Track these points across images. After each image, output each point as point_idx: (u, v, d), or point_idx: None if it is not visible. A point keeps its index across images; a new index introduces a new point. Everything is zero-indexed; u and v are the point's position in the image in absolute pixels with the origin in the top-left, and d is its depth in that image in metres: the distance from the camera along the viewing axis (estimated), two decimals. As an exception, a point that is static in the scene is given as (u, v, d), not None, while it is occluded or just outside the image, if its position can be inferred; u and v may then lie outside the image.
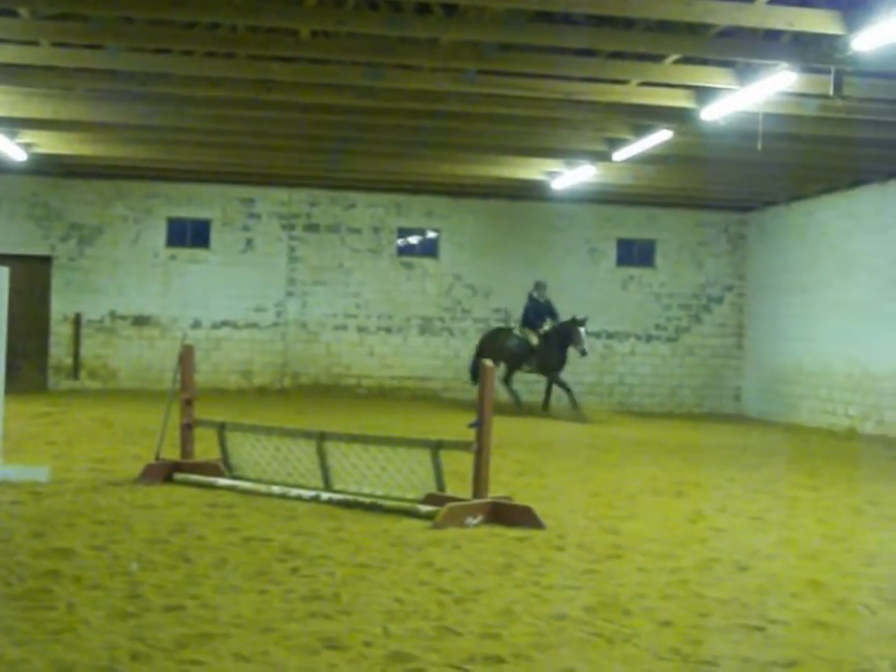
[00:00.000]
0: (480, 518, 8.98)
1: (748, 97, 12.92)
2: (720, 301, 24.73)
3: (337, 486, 9.89)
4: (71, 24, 12.41)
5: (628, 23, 12.28)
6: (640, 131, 16.12)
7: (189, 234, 23.23)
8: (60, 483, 10.21)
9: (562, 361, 21.04)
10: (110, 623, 5.80)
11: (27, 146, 18.78)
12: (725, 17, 10.99)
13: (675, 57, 12.69)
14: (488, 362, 9.38)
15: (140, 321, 22.81)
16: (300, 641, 5.59)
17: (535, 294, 21.39)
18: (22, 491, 9.69)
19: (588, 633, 5.95)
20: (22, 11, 11.75)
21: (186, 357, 10.82)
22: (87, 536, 7.98)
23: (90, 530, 8.19)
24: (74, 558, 7.24)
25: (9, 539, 7.81)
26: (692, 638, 5.92)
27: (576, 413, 20.48)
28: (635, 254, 24.64)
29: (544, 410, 21.12)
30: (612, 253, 24.48)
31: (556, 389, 21.26)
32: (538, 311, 21.21)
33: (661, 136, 15.71)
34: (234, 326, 23.14)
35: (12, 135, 17.74)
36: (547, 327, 21.05)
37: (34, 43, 12.79)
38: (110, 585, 6.57)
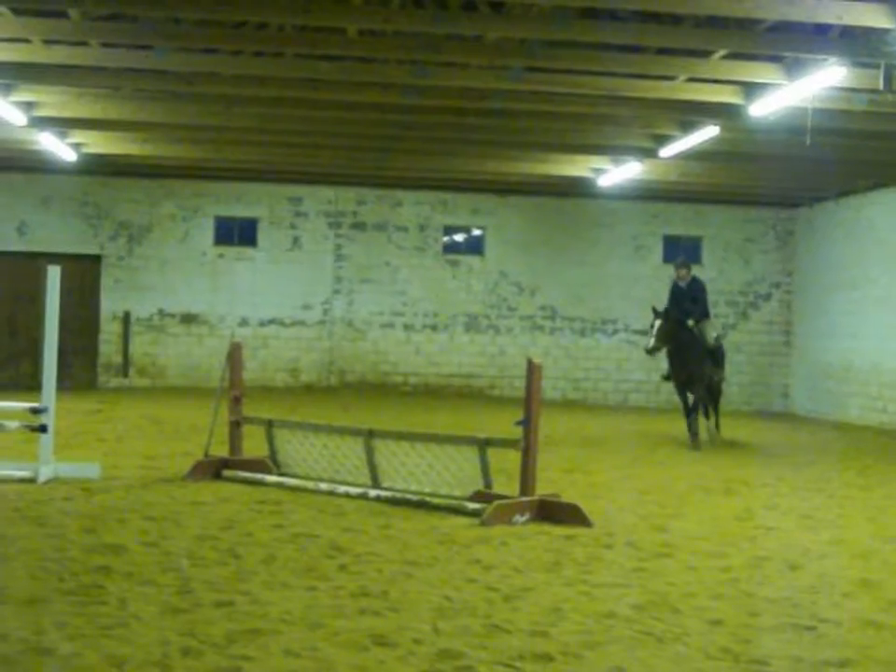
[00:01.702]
0: (527, 515, 8.97)
1: (796, 92, 12.79)
2: (767, 298, 24.54)
3: (385, 483, 9.92)
4: (120, 25, 12.51)
5: (676, 19, 12.21)
6: (687, 127, 16.01)
7: (237, 233, 23.37)
8: (110, 480, 10.31)
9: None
10: (161, 618, 5.85)
11: (77, 145, 18.97)
12: (774, 12, 10.90)
13: (723, 52, 12.58)
14: (537, 360, 9.35)
15: (188, 319, 22.97)
16: (349, 638, 5.61)
17: (676, 279, 16.49)
18: (74, 487, 9.80)
19: (637, 631, 5.93)
20: (73, 13, 11.86)
21: (234, 355, 10.89)
22: (138, 532, 8.05)
23: (140, 526, 8.27)
24: (125, 554, 7.31)
25: (62, 534, 7.89)
26: (742, 638, 5.88)
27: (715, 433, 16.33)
28: (681, 250, 24.47)
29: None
30: (659, 250, 24.35)
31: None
32: (678, 302, 16.12)
33: (708, 132, 15.60)
34: (281, 324, 23.25)
35: (63, 135, 17.91)
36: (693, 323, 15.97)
37: (84, 44, 12.90)
38: (161, 581, 6.62)
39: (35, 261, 20.83)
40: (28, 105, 15.62)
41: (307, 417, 13.12)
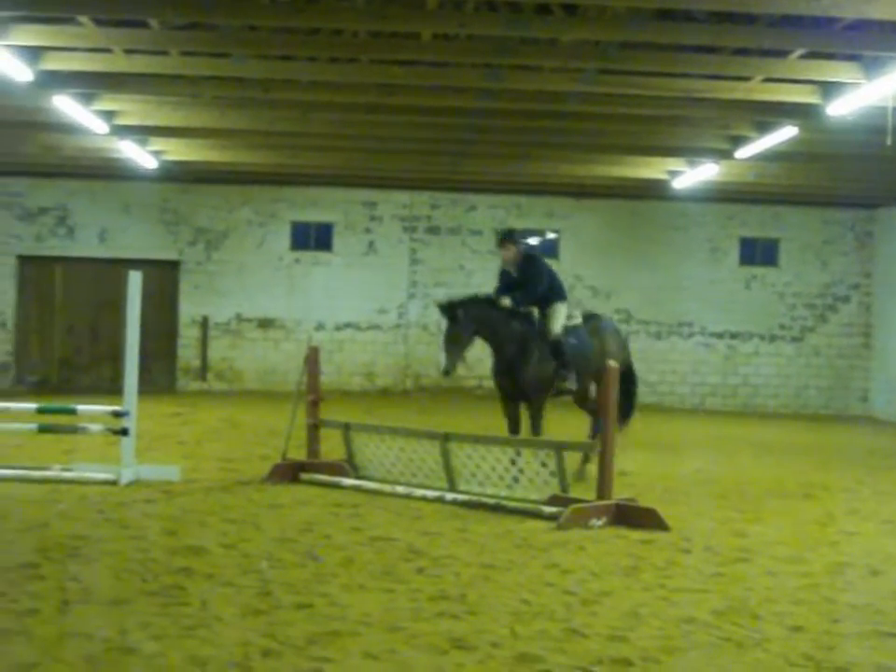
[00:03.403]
0: (604, 519, 8.94)
1: (876, 91, 12.61)
2: (846, 300, 24.19)
3: (461, 487, 9.94)
4: (199, 33, 12.67)
5: (751, 19, 12.08)
6: (764, 128, 15.84)
7: (313, 237, 23.55)
8: (190, 483, 10.45)
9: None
10: (242, 619, 5.93)
11: (157, 153, 19.24)
12: (852, 10, 10.74)
13: (800, 52, 12.44)
14: (613, 363, 9.33)
15: (265, 323, 23.18)
16: (427, 640, 5.64)
17: (502, 262, 12.38)
18: (155, 490, 9.95)
19: (717, 637, 5.89)
20: (153, 22, 12.05)
21: (312, 359, 10.98)
22: (218, 534, 8.15)
23: (220, 529, 8.37)
24: (206, 556, 7.41)
25: (144, 536, 8.02)
26: (824, 644, 5.82)
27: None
28: (758, 253, 24.23)
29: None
30: (735, 252, 24.11)
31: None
32: (510, 291, 11.96)
33: (786, 133, 15.42)
34: (357, 328, 23.38)
35: (143, 143, 18.18)
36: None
37: (163, 52, 13.08)
38: (242, 583, 6.71)
39: (116, 267, 21.19)
40: (109, 114, 15.88)
41: (383, 421, 13.20)
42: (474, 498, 9.69)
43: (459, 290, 23.32)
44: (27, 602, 6.11)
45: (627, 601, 6.60)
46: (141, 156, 18.85)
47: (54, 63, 12.79)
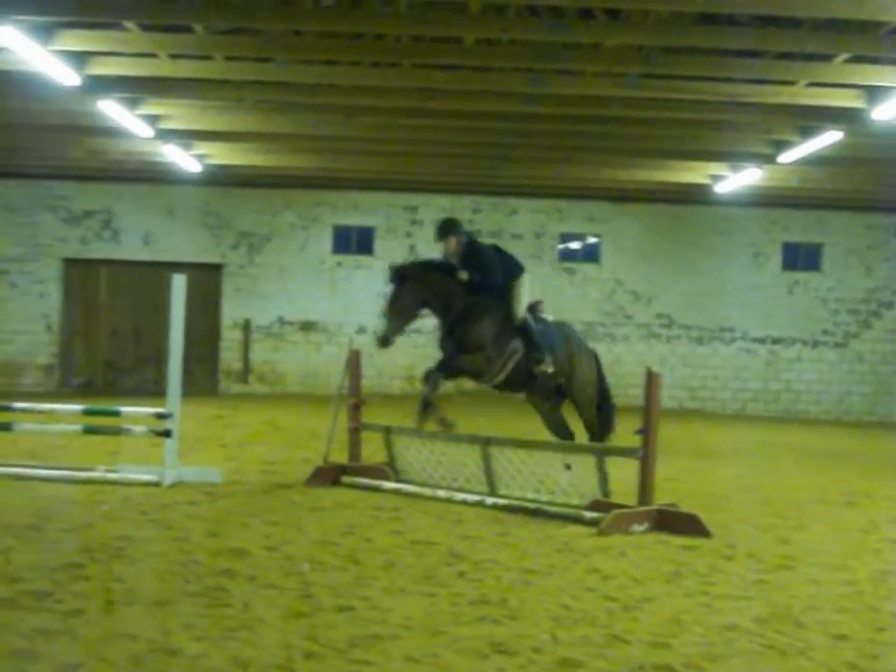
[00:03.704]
0: (645, 525, 8.91)
1: (922, 96, 12.53)
2: (890, 305, 23.98)
3: (502, 491, 9.94)
4: (243, 38, 12.79)
5: (795, 23, 12.03)
6: (808, 132, 15.76)
7: (355, 241, 23.64)
8: (232, 485, 10.50)
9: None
10: (284, 621, 5.95)
11: (201, 157, 19.38)
12: (898, 14, 10.69)
13: (844, 56, 12.37)
14: (654, 368, 9.30)
15: (307, 327, 23.29)
16: (469, 645, 5.64)
17: (445, 253, 10.79)
18: (198, 491, 10.01)
19: (760, 644, 5.86)
20: (198, 27, 12.16)
21: (353, 362, 11.01)
22: (260, 536, 8.19)
23: (263, 531, 8.41)
24: (248, 558, 7.45)
25: (187, 538, 8.07)
26: (868, 653, 5.78)
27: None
28: (801, 258, 24.08)
29: None
30: (777, 257, 23.97)
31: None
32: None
33: (830, 137, 15.33)
34: (400, 331, 23.42)
35: (187, 147, 18.33)
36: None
37: (208, 57, 13.21)
38: (284, 585, 6.73)
39: (159, 270, 21.37)
40: (154, 118, 16.03)
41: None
42: (515, 503, 9.67)
43: (500, 294, 23.44)
44: (72, 602, 6.15)
45: (669, 607, 6.57)
46: (185, 160, 19.00)
47: (100, 68, 12.95)
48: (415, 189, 23.19)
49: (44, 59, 11.88)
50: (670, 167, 19.71)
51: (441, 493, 10.17)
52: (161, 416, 10.53)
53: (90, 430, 11.30)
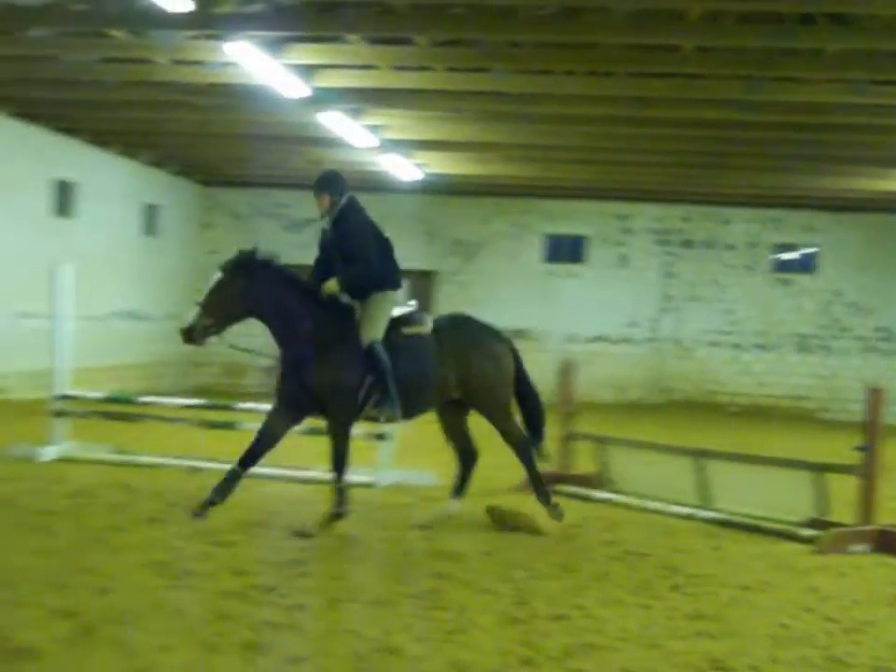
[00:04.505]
0: (866, 546, 8.65)
1: None
2: None
3: (715, 505, 9.80)
4: (462, 50, 13.00)
5: None
6: None
7: (566, 250, 23.67)
8: (446, 489, 10.63)
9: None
10: (500, 627, 6.02)
11: (418, 166, 19.76)
12: None
13: None
14: (878, 384, 9.03)
15: (517, 334, 23.40)
16: (685, 660, 5.59)
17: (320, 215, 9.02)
18: (412, 495, 10.22)
19: None
20: (420, 39, 12.42)
21: (567, 372, 11.04)
22: (474, 541, 8.30)
23: (476, 535, 8.52)
24: (463, 562, 7.56)
25: (402, 539, 8.25)
26: None
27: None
28: None
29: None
30: None
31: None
32: (328, 258, 8.97)
33: None
34: (608, 340, 23.36)
35: (406, 156, 18.71)
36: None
37: (428, 68, 13.47)
38: (498, 590, 6.81)
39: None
40: (374, 128, 16.43)
41: (633, 434, 13.11)
42: (729, 517, 9.53)
43: (713, 305, 23.10)
44: (296, 597, 6.37)
45: (893, 632, 6.37)
46: (403, 169, 19.38)
47: (325, 81, 13.37)
48: (626, 197, 23.08)
49: (274, 72, 12.36)
50: (894, 176, 19.04)
51: (652, 504, 10.09)
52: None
53: (310, 432, 11.63)
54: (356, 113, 15.43)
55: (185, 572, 6.85)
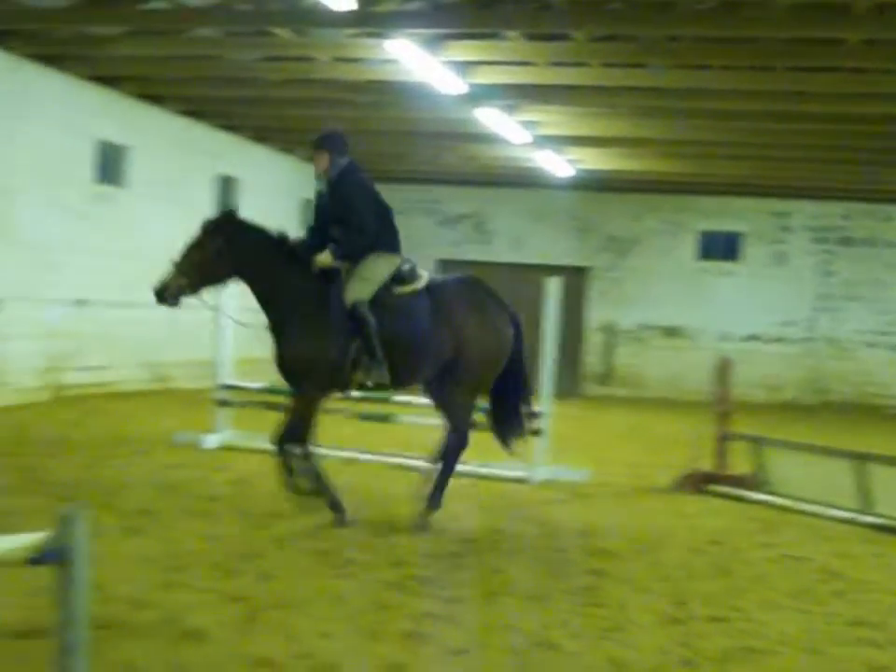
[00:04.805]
0: None
1: None
2: None
3: (877, 509, 9.57)
4: (619, 45, 12.94)
5: None
6: None
7: (720, 247, 23.34)
8: (599, 486, 10.67)
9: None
10: (659, 626, 6.00)
11: (572, 162, 19.73)
12: None
13: None
14: None
15: (670, 332, 23.23)
16: (848, 667, 5.50)
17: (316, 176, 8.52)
18: (566, 491, 10.25)
19: None
20: (577, 35, 12.41)
21: (723, 370, 10.91)
22: (629, 539, 8.28)
23: (630, 534, 8.49)
24: (618, 560, 7.56)
25: (558, 535, 8.30)
26: None
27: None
28: None
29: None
30: None
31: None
32: (322, 220, 8.42)
33: None
34: (762, 339, 22.97)
35: (559, 152, 18.70)
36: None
37: (584, 64, 13.44)
38: (656, 589, 6.79)
39: (526, 272, 21.86)
40: (529, 124, 16.47)
41: (788, 435, 12.88)
42: (891, 523, 9.30)
43: (872, 305, 22.51)
44: (453, 590, 6.47)
45: None
46: (557, 165, 19.38)
47: (482, 77, 13.44)
48: (783, 194, 22.62)
49: (432, 69, 12.50)
50: None
51: (810, 507, 9.91)
52: (532, 415, 10.78)
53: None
54: (511, 109, 15.49)
55: (347, 561, 7.01)
